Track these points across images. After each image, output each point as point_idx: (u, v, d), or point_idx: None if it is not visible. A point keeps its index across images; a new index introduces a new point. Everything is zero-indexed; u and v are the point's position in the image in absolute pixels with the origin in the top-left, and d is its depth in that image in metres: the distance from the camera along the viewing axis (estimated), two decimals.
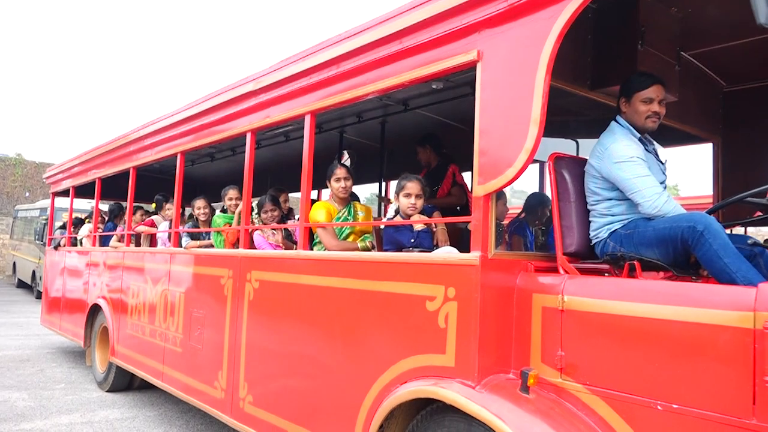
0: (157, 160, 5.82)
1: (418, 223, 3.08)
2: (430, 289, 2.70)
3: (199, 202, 5.26)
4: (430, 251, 2.96)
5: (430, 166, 5.04)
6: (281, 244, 4.19)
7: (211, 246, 4.99)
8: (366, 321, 3.04)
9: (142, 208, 6.86)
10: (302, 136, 6.11)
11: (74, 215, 8.42)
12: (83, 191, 8.10)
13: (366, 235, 3.67)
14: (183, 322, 4.82)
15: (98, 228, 7.34)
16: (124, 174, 6.43)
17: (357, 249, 3.54)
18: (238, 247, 4.39)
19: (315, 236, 3.72)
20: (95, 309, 6.84)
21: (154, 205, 6.66)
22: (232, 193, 5.02)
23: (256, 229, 4.26)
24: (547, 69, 2.34)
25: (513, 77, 2.49)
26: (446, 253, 2.78)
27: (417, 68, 2.96)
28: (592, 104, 3.31)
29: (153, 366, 5.27)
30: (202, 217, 5.23)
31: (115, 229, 7.06)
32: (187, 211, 6.39)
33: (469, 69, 2.83)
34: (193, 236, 5.17)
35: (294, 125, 5.48)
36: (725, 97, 4.06)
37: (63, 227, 8.61)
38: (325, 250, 3.58)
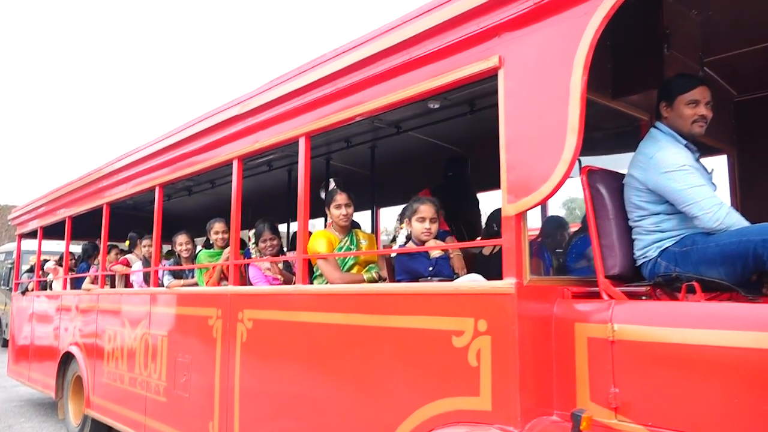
0: (132, 195, 5.45)
1: (435, 249, 2.78)
2: (456, 322, 2.40)
3: (181, 238, 4.89)
4: (451, 280, 2.67)
5: None
6: (279, 277, 3.82)
7: (196, 285, 4.62)
8: (381, 361, 2.72)
9: (117, 246, 6.45)
10: (286, 165, 5.87)
11: (43, 257, 7.95)
12: (52, 232, 7.63)
13: (371, 265, 3.37)
14: (167, 369, 4.41)
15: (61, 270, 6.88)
16: (96, 212, 6.02)
17: (363, 281, 3.22)
18: (226, 285, 4.04)
19: (315, 269, 3.40)
20: (67, 357, 6.36)
21: (127, 242, 6.24)
22: (218, 226, 4.66)
23: (251, 263, 3.90)
24: (584, 70, 2.11)
25: (542, 83, 2.25)
26: (471, 281, 2.49)
27: (427, 80, 2.71)
28: (610, 116, 3.10)
29: (133, 417, 4.83)
30: (184, 254, 4.86)
31: (89, 270, 6.62)
32: (165, 248, 6.01)
33: (478, 82, 2.60)
34: (176, 275, 4.80)
35: (279, 152, 5.20)
36: (736, 107, 3.89)
37: (31, 270, 8.11)
38: (326, 283, 3.26)
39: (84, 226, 6.84)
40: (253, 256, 4.10)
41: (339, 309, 2.97)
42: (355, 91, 3.07)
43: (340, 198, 3.41)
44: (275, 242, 4.09)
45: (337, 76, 3.12)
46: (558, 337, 2.30)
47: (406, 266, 2.82)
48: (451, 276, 2.78)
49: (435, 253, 2.78)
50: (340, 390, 2.91)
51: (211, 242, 4.74)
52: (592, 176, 2.45)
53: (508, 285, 2.24)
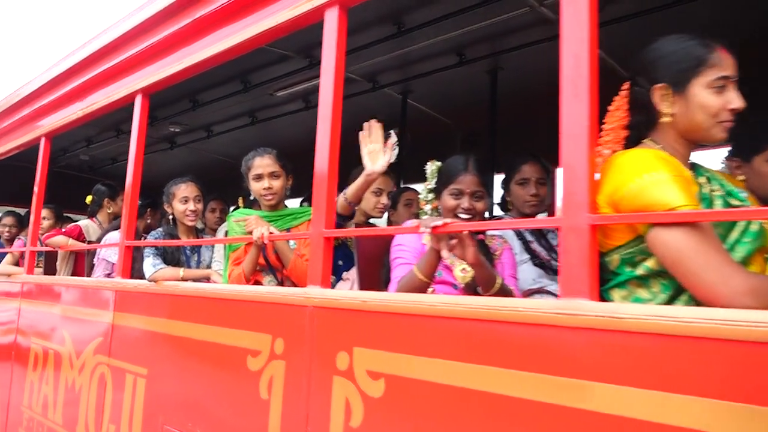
0: (91, 117, 3.15)
1: None
2: None
3: (187, 188, 2.65)
4: None
5: None
6: (465, 277, 1.59)
7: (209, 281, 2.42)
8: None
9: (51, 208, 4.02)
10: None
11: None
12: None
13: None
14: None
15: None
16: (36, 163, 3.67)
17: None
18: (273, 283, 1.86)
19: (627, 256, 1.18)
20: None
21: (89, 199, 3.82)
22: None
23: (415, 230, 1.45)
24: None
25: None
26: None
27: None
28: None
29: None
30: (188, 221, 2.61)
31: None
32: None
33: None
34: (167, 258, 2.54)
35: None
36: None
37: None
38: (669, 302, 1.08)
39: (20, 187, 4.45)
40: (425, 216, 1.83)
41: None
42: None
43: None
44: (480, 205, 1.75)
45: None
46: None
47: None
48: None
49: None
50: None
51: (252, 198, 2.45)
52: None
53: None
